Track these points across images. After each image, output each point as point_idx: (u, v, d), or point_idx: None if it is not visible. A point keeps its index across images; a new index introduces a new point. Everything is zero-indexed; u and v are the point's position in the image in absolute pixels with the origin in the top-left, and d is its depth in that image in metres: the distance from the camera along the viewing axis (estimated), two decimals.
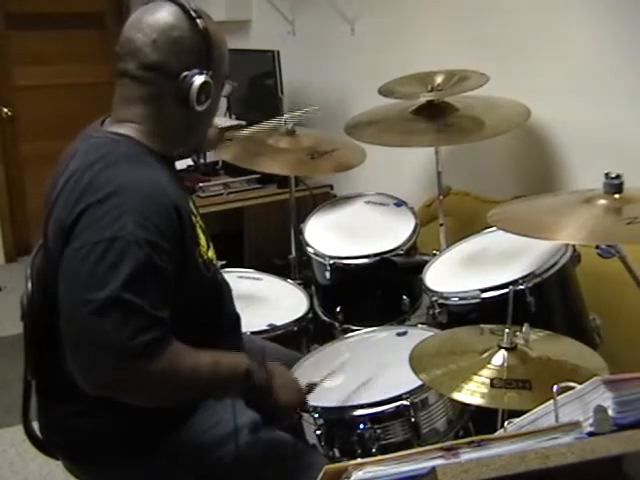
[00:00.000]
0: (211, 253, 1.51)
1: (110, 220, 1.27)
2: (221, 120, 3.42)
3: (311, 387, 1.55)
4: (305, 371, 1.73)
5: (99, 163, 1.36)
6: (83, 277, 1.26)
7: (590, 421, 0.82)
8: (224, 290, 1.59)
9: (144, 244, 1.27)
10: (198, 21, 1.40)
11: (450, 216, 2.45)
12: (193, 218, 1.44)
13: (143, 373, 1.26)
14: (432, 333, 1.77)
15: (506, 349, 1.45)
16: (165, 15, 1.40)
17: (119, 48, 1.42)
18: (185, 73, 1.39)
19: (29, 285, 1.55)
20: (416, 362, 1.51)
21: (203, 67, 1.40)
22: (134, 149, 1.41)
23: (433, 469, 0.75)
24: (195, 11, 1.40)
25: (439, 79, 2.30)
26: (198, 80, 1.39)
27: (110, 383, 1.27)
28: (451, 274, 1.98)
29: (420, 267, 2.04)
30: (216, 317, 1.55)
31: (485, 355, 1.47)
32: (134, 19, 1.43)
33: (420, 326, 1.97)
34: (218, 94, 1.50)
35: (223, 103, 3.66)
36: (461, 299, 1.80)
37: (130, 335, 1.23)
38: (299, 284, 2.35)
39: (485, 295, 1.75)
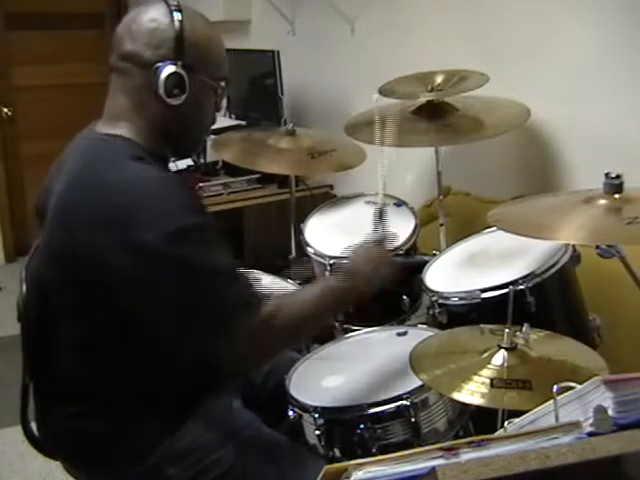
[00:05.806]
0: None
1: (164, 210, 1.31)
2: (221, 120, 3.41)
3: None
4: (305, 371, 1.73)
5: (103, 163, 1.36)
6: (190, 259, 1.31)
7: (590, 421, 0.81)
8: None
9: (202, 220, 1.35)
10: (175, 14, 1.39)
11: (450, 216, 2.45)
12: None
13: (274, 323, 1.37)
14: (432, 333, 1.77)
15: (506, 349, 1.45)
16: (150, 10, 1.41)
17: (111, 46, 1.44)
18: (158, 64, 1.38)
19: (24, 288, 1.54)
20: (416, 362, 1.51)
21: (177, 60, 1.39)
22: (132, 148, 1.40)
23: (433, 469, 0.75)
24: (176, 6, 1.41)
25: (439, 79, 2.29)
26: (167, 70, 1.38)
27: (256, 345, 1.37)
28: (451, 274, 1.98)
29: (420, 267, 2.03)
30: None
31: (485, 355, 1.47)
32: (126, 18, 1.44)
33: (420, 326, 1.96)
34: (205, 94, 1.47)
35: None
36: (461, 299, 1.80)
37: (250, 294, 1.36)
38: (299, 284, 2.34)
39: (485, 295, 1.75)
